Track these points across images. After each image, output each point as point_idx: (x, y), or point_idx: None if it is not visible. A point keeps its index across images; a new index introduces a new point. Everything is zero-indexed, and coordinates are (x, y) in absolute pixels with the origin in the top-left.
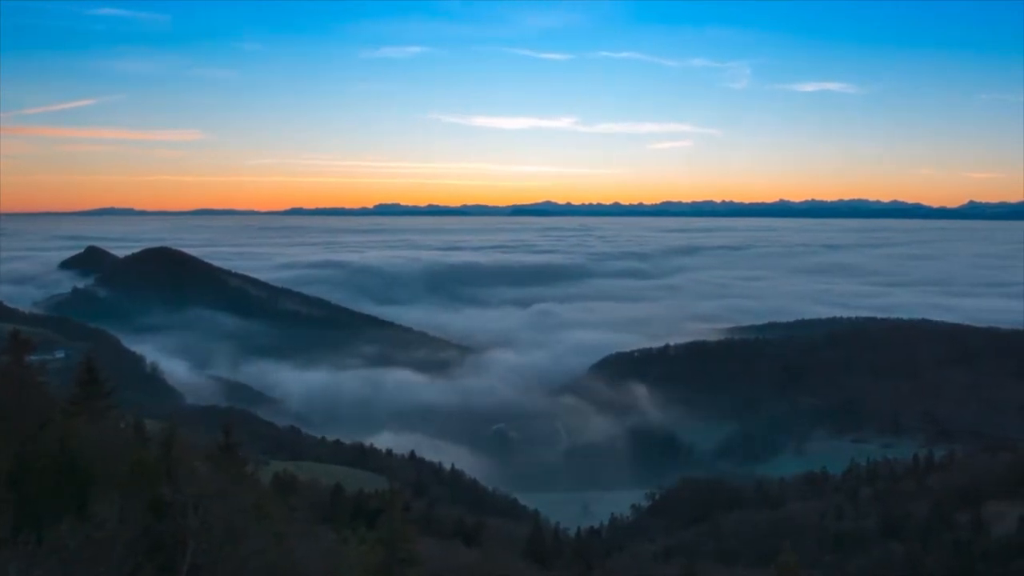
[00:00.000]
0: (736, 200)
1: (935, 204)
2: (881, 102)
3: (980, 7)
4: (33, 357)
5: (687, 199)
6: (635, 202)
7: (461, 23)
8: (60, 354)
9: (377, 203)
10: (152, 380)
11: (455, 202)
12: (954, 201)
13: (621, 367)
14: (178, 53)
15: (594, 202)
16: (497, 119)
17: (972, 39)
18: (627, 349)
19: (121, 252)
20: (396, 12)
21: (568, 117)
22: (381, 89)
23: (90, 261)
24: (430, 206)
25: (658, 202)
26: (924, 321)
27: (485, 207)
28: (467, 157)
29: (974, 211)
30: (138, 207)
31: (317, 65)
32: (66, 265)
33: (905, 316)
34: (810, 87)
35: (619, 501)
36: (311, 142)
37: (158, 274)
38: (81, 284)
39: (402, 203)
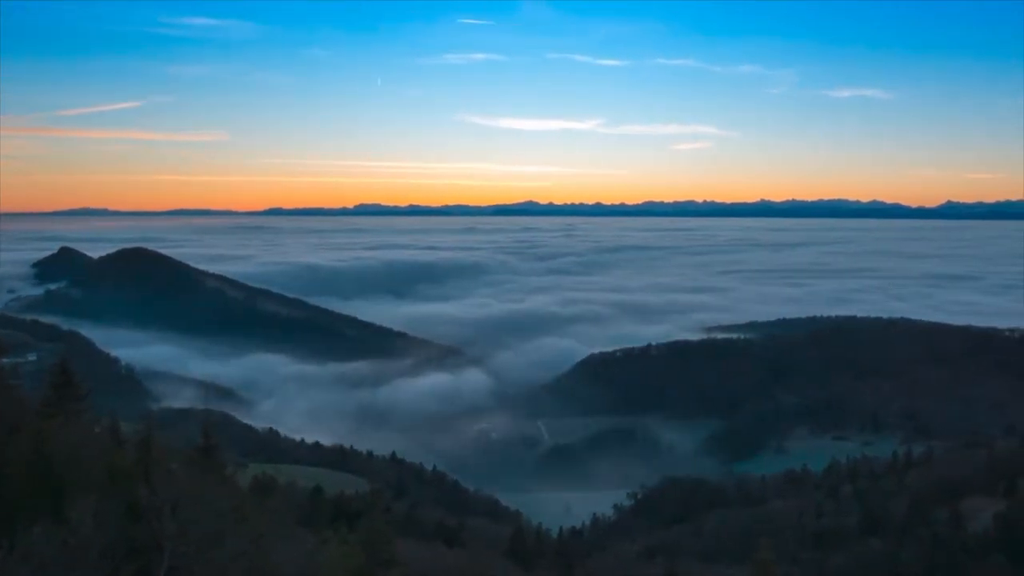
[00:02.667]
0: (718, 200)
1: (914, 204)
2: (875, 105)
3: (975, 8)
4: (4, 360)
5: (669, 199)
6: (617, 202)
7: (529, 32)
8: (32, 356)
9: (358, 203)
10: (127, 382)
11: (437, 202)
12: (933, 201)
13: (603, 367)
14: (244, 58)
15: (576, 202)
16: (521, 120)
17: (962, 42)
18: (609, 349)
19: (96, 253)
20: (471, 14)
21: (594, 119)
22: (416, 94)
23: (63, 262)
24: (411, 206)
25: (640, 202)
26: (903, 320)
27: (467, 207)
28: (470, 158)
29: (952, 211)
30: (112, 207)
31: (366, 69)
32: (39, 266)
33: (885, 315)
34: (846, 93)
35: (601, 501)
36: (313, 144)
37: (133, 275)
38: (54, 285)
39: (383, 203)
